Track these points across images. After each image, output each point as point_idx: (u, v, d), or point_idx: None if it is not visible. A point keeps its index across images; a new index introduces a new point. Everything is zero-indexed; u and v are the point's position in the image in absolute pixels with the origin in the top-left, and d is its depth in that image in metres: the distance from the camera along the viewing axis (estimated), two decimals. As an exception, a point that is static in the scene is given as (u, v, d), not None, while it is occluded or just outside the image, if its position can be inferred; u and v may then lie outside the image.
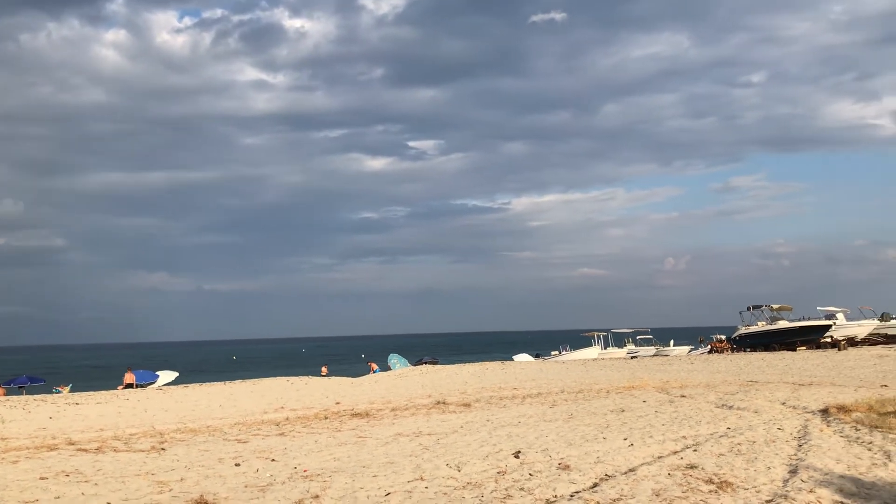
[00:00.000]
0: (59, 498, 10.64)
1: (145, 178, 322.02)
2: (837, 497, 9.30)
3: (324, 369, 47.11)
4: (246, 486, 11.01)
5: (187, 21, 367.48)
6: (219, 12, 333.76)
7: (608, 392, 23.53)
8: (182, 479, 11.72)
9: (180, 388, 34.16)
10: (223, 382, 37.16)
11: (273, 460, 13.28)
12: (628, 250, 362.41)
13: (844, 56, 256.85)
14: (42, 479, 12.19)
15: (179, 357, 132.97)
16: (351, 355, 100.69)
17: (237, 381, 37.03)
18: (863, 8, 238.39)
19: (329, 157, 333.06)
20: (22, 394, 36.74)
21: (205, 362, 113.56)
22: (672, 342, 68.58)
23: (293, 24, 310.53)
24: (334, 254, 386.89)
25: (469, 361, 53.15)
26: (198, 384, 36.94)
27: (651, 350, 64.44)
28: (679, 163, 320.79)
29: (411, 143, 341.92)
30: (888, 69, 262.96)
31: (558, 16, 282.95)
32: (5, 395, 34.94)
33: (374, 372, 45.07)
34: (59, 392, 37.79)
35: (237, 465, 12.93)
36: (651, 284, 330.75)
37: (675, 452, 12.43)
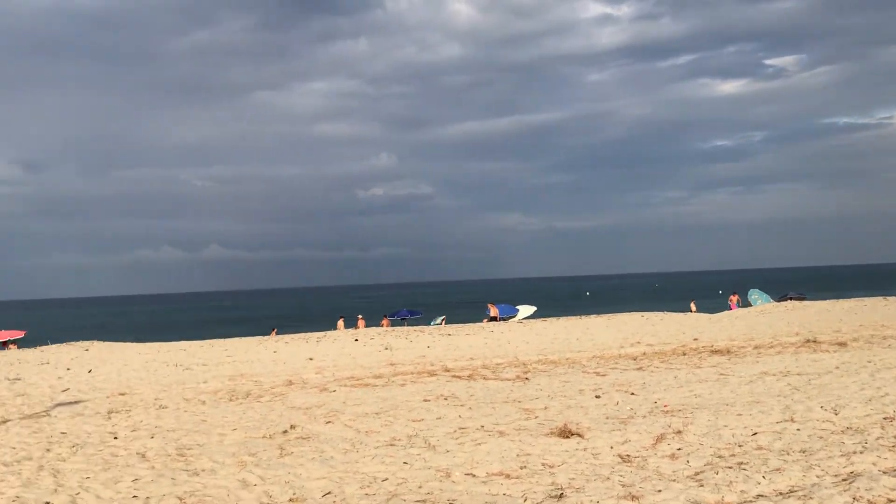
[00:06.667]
0: (440, 418, 11.79)
1: (497, 124, 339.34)
2: None
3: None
4: (607, 418, 11.22)
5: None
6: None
7: None
8: (546, 408, 12.29)
9: (539, 322, 35.73)
10: (578, 316, 38.15)
11: (632, 394, 13.36)
12: None
13: None
14: (425, 401, 13.61)
15: (535, 292, 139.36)
16: (707, 290, 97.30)
17: (592, 316, 37.79)
18: None
19: (677, 85, 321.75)
20: (404, 325, 41.22)
21: (559, 297, 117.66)
22: None
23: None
24: (685, 186, 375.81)
25: (843, 297, 48.39)
26: (555, 318, 38.32)
27: None
28: None
29: (768, 61, 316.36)
30: None
31: None
32: (389, 325, 39.45)
33: (735, 307, 42.97)
34: (437, 324, 41.80)
35: (597, 396, 13.22)
36: None
37: None
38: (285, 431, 11.20)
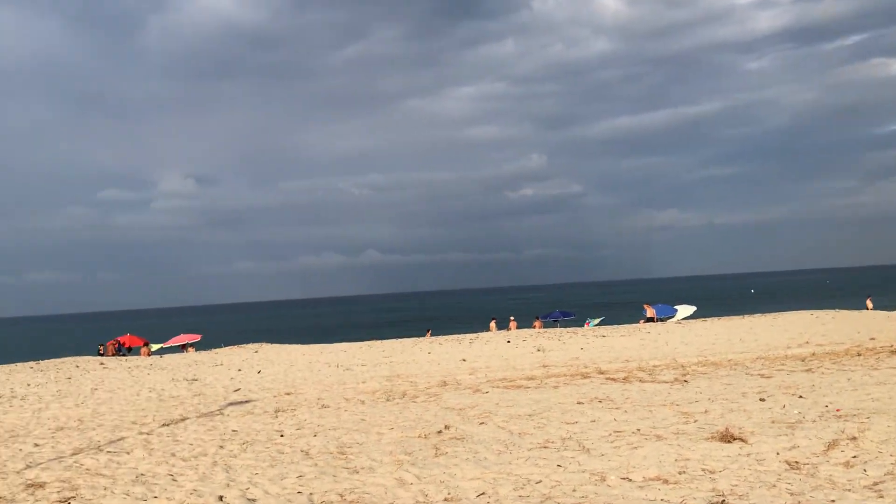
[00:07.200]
0: (594, 421, 11.59)
1: (649, 118, 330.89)
2: None
3: None
4: (773, 422, 10.64)
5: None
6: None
7: None
8: (706, 412, 11.81)
9: (699, 322, 34.50)
10: (741, 316, 36.51)
11: (800, 397, 12.60)
12: None
13: None
14: (579, 403, 13.43)
15: (694, 291, 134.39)
16: (886, 286, 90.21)
17: (756, 315, 36.09)
18: None
19: (845, 67, 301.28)
20: (556, 327, 40.91)
21: (720, 296, 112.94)
22: None
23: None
24: (857, 175, 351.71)
25: None
26: (716, 318, 36.89)
27: None
28: None
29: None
30: None
31: None
32: (542, 327, 39.25)
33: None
34: (597, 324, 41.26)
35: (762, 399, 12.57)
36: None
37: None
38: (440, 431, 11.38)
